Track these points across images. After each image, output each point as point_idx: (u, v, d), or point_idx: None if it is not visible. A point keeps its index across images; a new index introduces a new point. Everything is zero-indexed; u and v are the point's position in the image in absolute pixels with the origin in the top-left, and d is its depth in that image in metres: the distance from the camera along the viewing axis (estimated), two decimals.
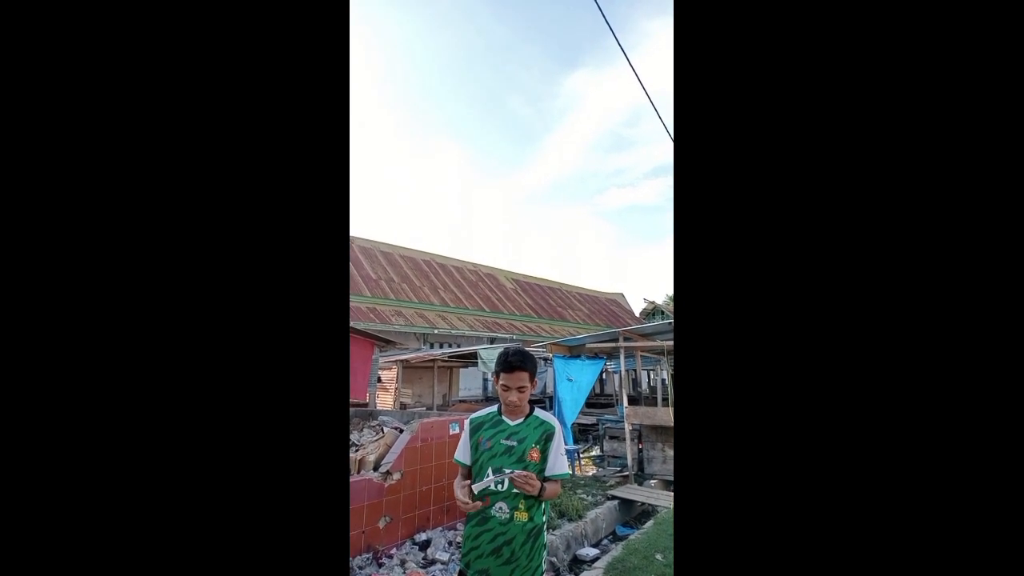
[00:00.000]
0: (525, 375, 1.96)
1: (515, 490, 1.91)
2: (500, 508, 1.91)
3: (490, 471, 1.92)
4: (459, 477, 2.10)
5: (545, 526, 2.00)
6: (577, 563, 4.81)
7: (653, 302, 31.79)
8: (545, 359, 9.90)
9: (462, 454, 2.08)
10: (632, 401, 9.96)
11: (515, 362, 1.94)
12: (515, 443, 1.96)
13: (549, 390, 11.53)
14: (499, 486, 1.91)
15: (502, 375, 1.96)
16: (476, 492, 1.87)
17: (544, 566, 1.90)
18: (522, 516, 1.90)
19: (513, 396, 1.96)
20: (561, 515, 5.41)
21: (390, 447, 4.88)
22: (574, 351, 8.73)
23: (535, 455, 1.95)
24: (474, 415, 2.13)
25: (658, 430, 7.48)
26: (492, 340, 17.22)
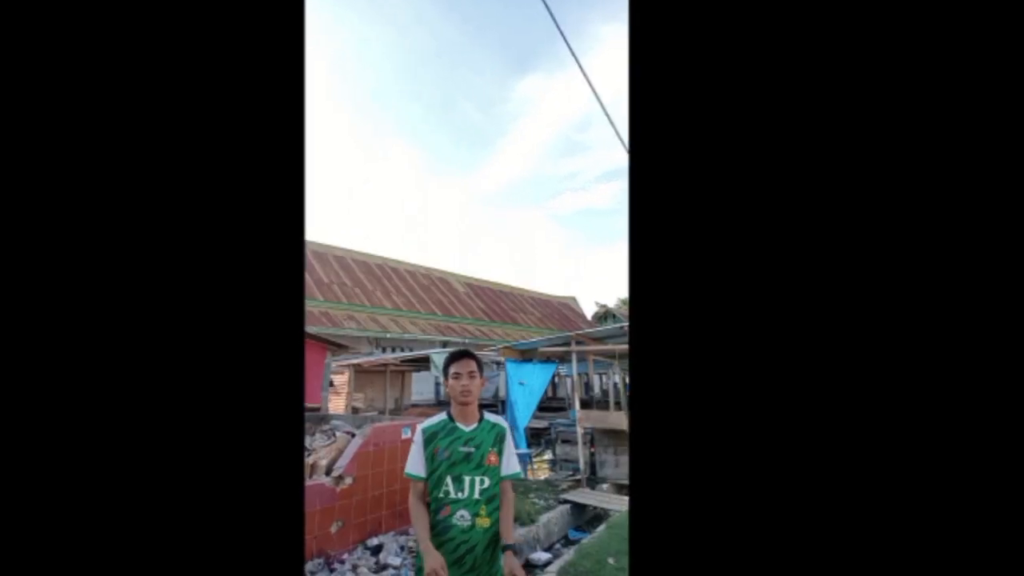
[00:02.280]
0: (473, 362, 2.07)
1: (476, 496, 1.91)
2: (462, 516, 1.89)
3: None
4: (414, 498, 1.98)
5: None
6: (529, 567, 4.82)
7: (605, 305, 32.29)
8: (497, 363, 9.92)
9: (415, 466, 1.97)
10: (584, 405, 10.07)
11: (461, 351, 2.12)
12: (472, 449, 1.96)
13: (502, 394, 11.54)
14: (459, 493, 1.91)
15: (452, 365, 2.05)
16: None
17: (503, 572, 1.89)
18: (484, 522, 1.90)
19: (465, 380, 2.02)
20: (514, 519, 5.42)
21: (342, 451, 4.79)
22: (526, 355, 8.79)
23: (493, 459, 1.97)
24: (425, 425, 2.05)
25: (610, 434, 7.59)
26: (445, 344, 17.10)
